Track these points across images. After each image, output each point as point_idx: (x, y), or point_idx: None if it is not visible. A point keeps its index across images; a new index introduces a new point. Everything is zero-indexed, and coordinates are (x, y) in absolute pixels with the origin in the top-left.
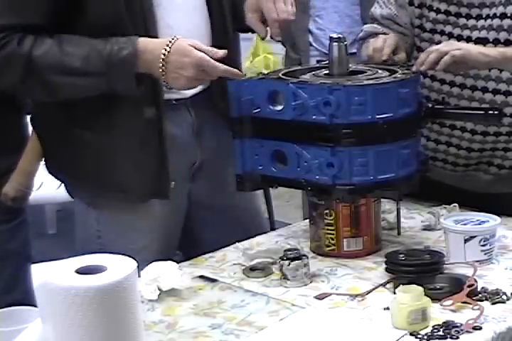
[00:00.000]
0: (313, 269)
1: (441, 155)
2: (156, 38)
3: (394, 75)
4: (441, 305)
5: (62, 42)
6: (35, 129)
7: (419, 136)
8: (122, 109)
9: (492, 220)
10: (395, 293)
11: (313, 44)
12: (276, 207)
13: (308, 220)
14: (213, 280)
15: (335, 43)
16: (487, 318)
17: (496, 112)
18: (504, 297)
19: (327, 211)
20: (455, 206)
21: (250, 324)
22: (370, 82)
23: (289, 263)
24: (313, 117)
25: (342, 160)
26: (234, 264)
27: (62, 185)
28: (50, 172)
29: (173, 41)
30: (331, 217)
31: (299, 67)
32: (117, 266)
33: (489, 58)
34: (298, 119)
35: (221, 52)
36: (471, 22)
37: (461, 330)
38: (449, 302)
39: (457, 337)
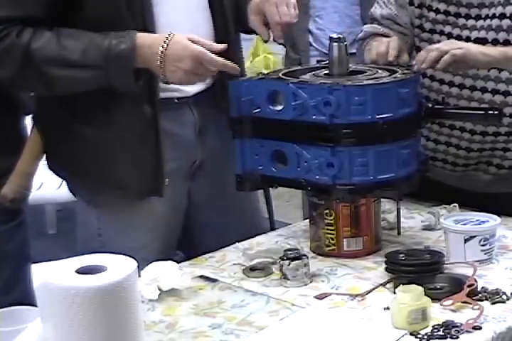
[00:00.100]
0: (313, 269)
1: (441, 155)
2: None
3: (394, 75)
4: (441, 305)
5: (61, 36)
6: (37, 125)
7: (419, 136)
8: (120, 106)
9: (492, 220)
10: (395, 292)
11: (313, 44)
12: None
13: (308, 220)
14: (213, 280)
15: (335, 43)
16: (487, 318)
17: (495, 112)
18: (504, 297)
19: (327, 211)
20: (455, 206)
21: (250, 324)
22: (370, 82)
23: (289, 263)
24: (313, 117)
25: (342, 160)
26: (234, 264)
27: (63, 185)
28: (51, 169)
29: (171, 36)
30: (331, 217)
31: (299, 67)
32: (117, 266)
33: (489, 58)
34: (298, 119)
35: (219, 46)
36: (470, 22)
37: (461, 330)
38: (449, 302)
39: (457, 337)
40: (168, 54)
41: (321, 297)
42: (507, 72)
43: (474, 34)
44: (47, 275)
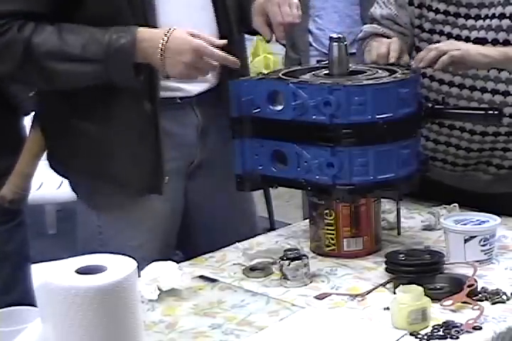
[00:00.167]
0: (313, 269)
1: (441, 155)
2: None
3: (394, 75)
4: (441, 305)
5: (62, 31)
6: (38, 122)
7: (419, 136)
8: (120, 101)
9: (492, 220)
10: (395, 293)
11: (313, 44)
12: (276, 207)
13: (308, 220)
14: (213, 280)
15: (335, 43)
16: (487, 318)
17: (495, 112)
18: (504, 297)
19: (327, 211)
20: (455, 206)
21: (250, 324)
22: (370, 82)
23: (289, 263)
24: (313, 117)
25: (342, 160)
26: (234, 264)
27: (63, 185)
28: (52, 167)
29: (171, 30)
30: (331, 217)
31: (299, 67)
32: (117, 266)
33: (489, 59)
34: (298, 119)
35: (220, 41)
36: (470, 22)
37: (461, 330)
38: (449, 302)
39: (457, 337)
40: (168, 48)
41: (321, 297)
42: (507, 72)
43: (474, 34)
44: (47, 275)
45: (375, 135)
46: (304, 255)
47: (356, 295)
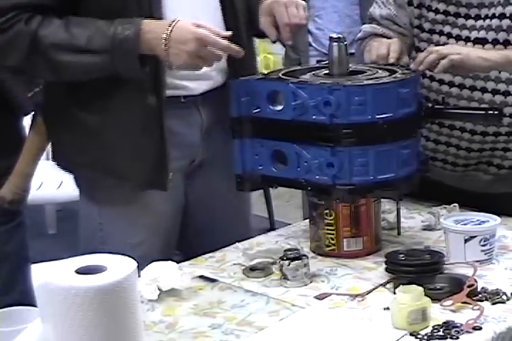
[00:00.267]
0: (313, 269)
1: (441, 155)
2: None
3: (394, 75)
4: (441, 305)
5: (69, 23)
6: (42, 115)
7: (419, 136)
8: (124, 94)
9: (492, 220)
10: (395, 293)
11: (313, 44)
12: (276, 207)
13: (308, 220)
14: (213, 280)
15: (335, 43)
16: (487, 318)
17: (496, 112)
18: (504, 297)
19: (327, 211)
20: (455, 206)
21: (250, 324)
22: (370, 82)
23: (289, 263)
24: (313, 117)
25: (342, 160)
26: (234, 264)
27: (63, 184)
28: (55, 161)
29: (175, 21)
30: (331, 217)
31: (299, 67)
32: (117, 266)
33: (489, 62)
34: (298, 119)
35: (225, 33)
36: (470, 22)
37: (461, 330)
38: (449, 302)
39: (457, 337)
40: (172, 38)
41: (321, 297)
42: (507, 72)
43: (474, 34)
44: (47, 275)
45: (375, 135)
46: (304, 255)
47: (356, 295)
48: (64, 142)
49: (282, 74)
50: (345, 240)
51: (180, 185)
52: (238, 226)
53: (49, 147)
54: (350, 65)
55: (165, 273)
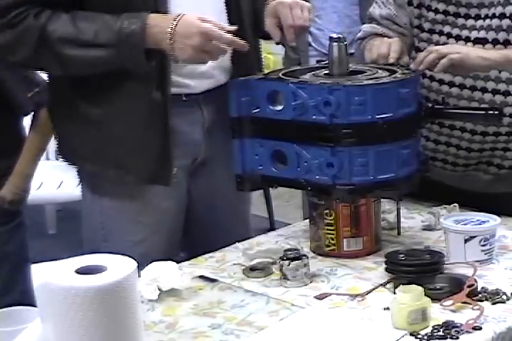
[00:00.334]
0: (313, 269)
1: (441, 155)
2: None
3: (394, 75)
4: (441, 305)
5: (76, 18)
6: (47, 109)
7: (419, 136)
8: (129, 88)
9: (492, 220)
10: (395, 293)
11: (312, 44)
12: (276, 207)
13: (308, 220)
14: (213, 280)
15: (335, 43)
16: (487, 318)
17: (496, 112)
18: (504, 297)
19: (327, 211)
20: (455, 206)
21: (250, 324)
22: (370, 82)
23: (289, 263)
24: (313, 117)
25: (342, 160)
26: (234, 264)
27: (63, 184)
28: (60, 154)
29: (181, 15)
30: (331, 217)
31: (299, 67)
32: (117, 266)
33: (489, 62)
34: (298, 119)
35: (230, 27)
36: (470, 22)
37: (461, 330)
38: (449, 302)
39: (457, 337)
40: (177, 32)
41: (321, 297)
42: (507, 72)
43: (474, 34)
44: (47, 275)
45: (375, 135)
46: (304, 255)
47: (356, 295)
48: (69, 135)
49: (282, 74)
50: (345, 240)
51: (183, 183)
52: (238, 226)
53: (49, 147)
54: (350, 65)
55: (165, 273)
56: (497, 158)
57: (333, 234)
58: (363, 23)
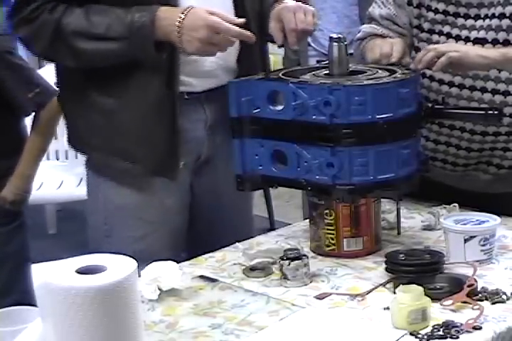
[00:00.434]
0: (313, 269)
1: (441, 155)
2: None
3: (394, 75)
4: (441, 305)
5: (90, 12)
6: (58, 98)
7: (419, 136)
8: (141, 79)
9: (492, 220)
10: (395, 293)
11: (312, 44)
12: (276, 207)
13: (308, 220)
14: (213, 280)
15: (335, 43)
16: (487, 318)
17: (496, 112)
18: (504, 297)
19: (327, 211)
20: (455, 206)
21: (250, 324)
22: (370, 82)
23: (289, 263)
24: (313, 117)
25: (342, 160)
26: (234, 264)
27: (63, 184)
28: (69, 143)
29: (189, 7)
30: (331, 217)
31: (299, 67)
32: (117, 266)
33: (488, 60)
34: (298, 119)
35: (238, 20)
36: (470, 22)
37: (461, 330)
38: (449, 302)
39: (457, 337)
40: (184, 24)
41: (321, 297)
42: (507, 72)
43: (473, 34)
44: (47, 275)
45: (375, 135)
46: (304, 255)
47: (356, 295)
48: (78, 123)
49: (282, 74)
50: (345, 240)
51: (186, 180)
52: (242, 223)
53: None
54: (350, 65)
55: (165, 273)
56: (496, 158)
57: (333, 234)
58: (362, 24)
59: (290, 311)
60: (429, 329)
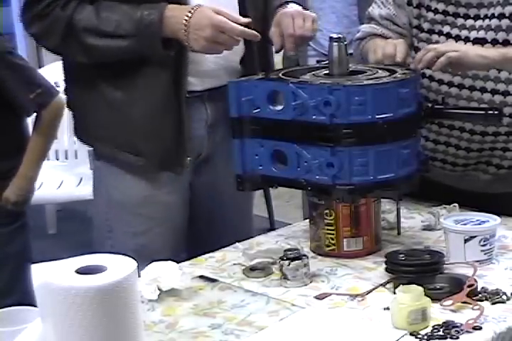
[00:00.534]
0: (313, 269)
1: (440, 155)
2: None
3: (394, 75)
4: (441, 305)
5: (100, 9)
6: (67, 92)
7: (419, 136)
8: (149, 74)
9: (492, 220)
10: (395, 293)
11: (311, 44)
12: (276, 207)
13: (308, 220)
14: (213, 280)
15: (335, 43)
16: (487, 318)
17: (495, 112)
18: (504, 297)
19: (327, 211)
20: (455, 206)
21: (250, 324)
22: (370, 82)
23: (289, 263)
24: (313, 117)
25: (342, 160)
26: (234, 264)
27: (63, 184)
28: (76, 135)
29: (196, 7)
30: (331, 217)
31: (299, 67)
32: (117, 266)
33: (488, 60)
34: (298, 119)
35: (243, 19)
36: (469, 22)
37: (461, 330)
38: (449, 302)
39: (457, 337)
40: (191, 23)
41: (321, 297)
42: (506, 72)
43: (473, 34)
44: (47, 275)
45: (375, 135)
46: (304, 255)
47: (356, 295)
48: (87, 116)
49: (282, 74)
50: (345, 240)
51: (186, 178)
52: (242, 221)
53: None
54: (350, 65)
55: (165, 273)
56: (496, 158)
57: (333, 234)
58: (362, 24)
59: (290, 311)
60: (429, 330)
